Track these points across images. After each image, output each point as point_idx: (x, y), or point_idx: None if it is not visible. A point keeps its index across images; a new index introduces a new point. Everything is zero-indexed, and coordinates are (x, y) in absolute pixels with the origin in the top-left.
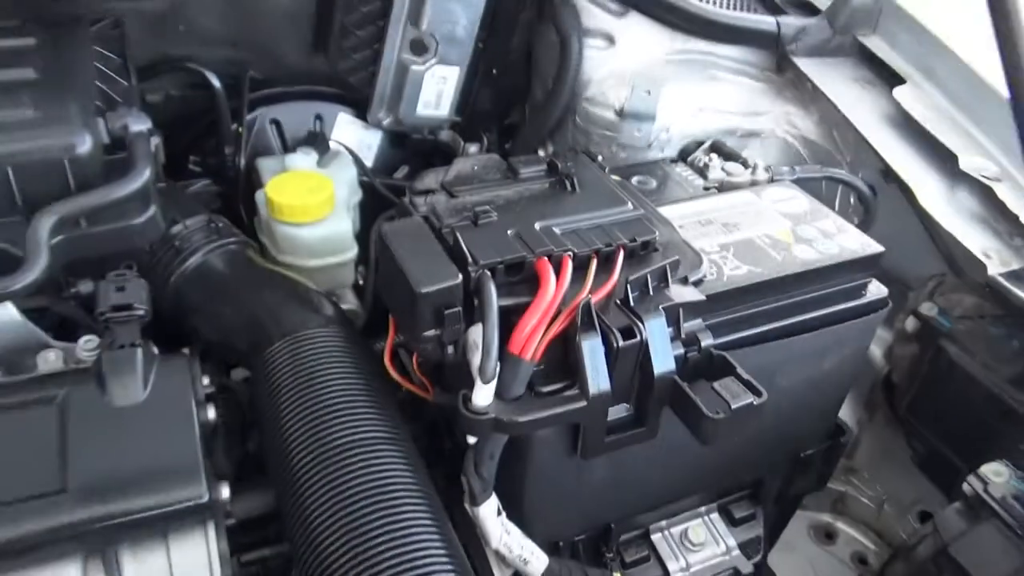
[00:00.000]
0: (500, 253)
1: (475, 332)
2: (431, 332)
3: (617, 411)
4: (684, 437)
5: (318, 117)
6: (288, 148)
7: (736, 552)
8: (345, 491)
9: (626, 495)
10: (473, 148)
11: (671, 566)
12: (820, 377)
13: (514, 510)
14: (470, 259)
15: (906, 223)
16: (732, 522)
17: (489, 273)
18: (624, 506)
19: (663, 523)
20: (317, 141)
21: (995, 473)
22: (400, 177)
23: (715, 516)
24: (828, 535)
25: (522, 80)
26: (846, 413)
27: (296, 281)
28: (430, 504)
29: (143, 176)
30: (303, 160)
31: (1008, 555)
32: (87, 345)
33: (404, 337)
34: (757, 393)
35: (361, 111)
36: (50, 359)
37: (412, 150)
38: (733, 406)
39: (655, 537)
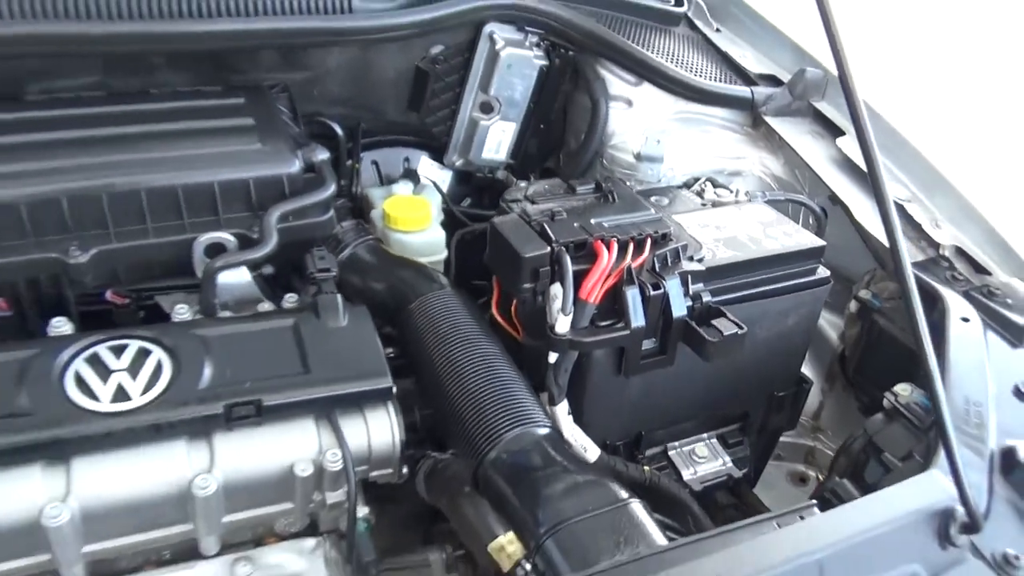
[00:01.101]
0: (571, 236)
1: (555, 287)
2: (528, 285)
3: (647, 345)
4: (692, 368)
5: (406, 159)
6: (383, 181)
7: (730, 464)
8: (469, 373)
9: (652, 410)
10: (522, 184)
11: (684, 472)
12: (786, 331)
13: (576, 415)
14: (553, 239)
15: (848, 234)
16: (726, 445)
17: (564, 249)
18: (651, 419)
19: (676, 443)
20: (412, 176)
21: (903, 390)
22: (466, 206)
23: (714, 441)
24: (802, 479)
25: (559, 133)
26: (814, 392)
27: (418, 263)
28: (518, 377)
29: (329, 189)
30: (403, 188)
31: (910, 439)
32: (290, 299)
33: (508, 289)
34: (740, 327)
35: (437, 155)
36: (265, 307)
37: (474, 185)
38: (725, 333)
39: (671, 453)
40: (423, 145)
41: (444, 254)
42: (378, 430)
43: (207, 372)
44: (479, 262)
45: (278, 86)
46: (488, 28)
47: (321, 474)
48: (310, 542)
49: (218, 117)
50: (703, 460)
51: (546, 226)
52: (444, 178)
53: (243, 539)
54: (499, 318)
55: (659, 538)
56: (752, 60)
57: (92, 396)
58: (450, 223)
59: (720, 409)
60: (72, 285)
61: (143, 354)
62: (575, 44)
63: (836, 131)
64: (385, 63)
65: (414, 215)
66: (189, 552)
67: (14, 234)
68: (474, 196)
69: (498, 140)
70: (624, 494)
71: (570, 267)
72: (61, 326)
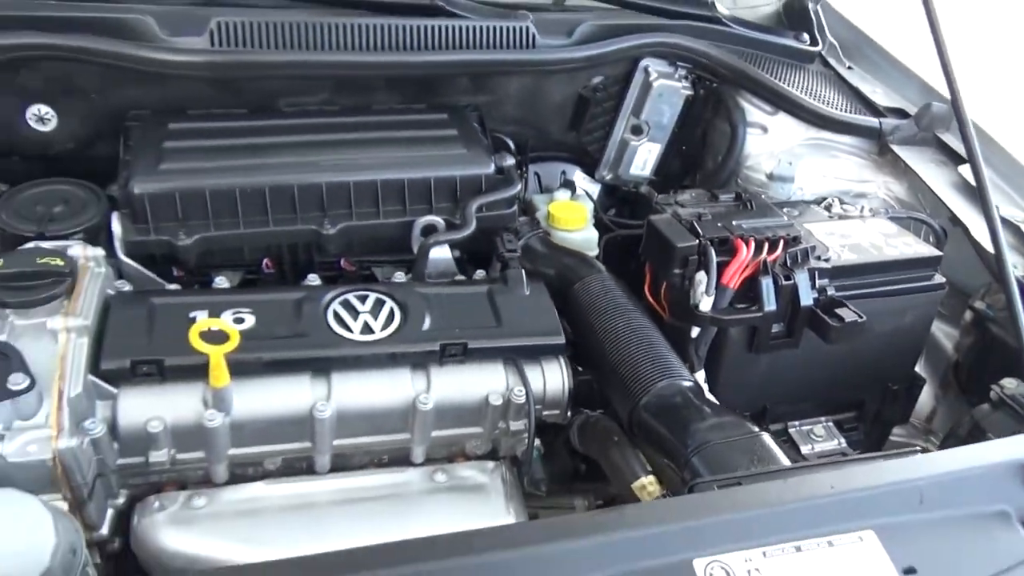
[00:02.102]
0: (715, 233)
1: (700, 274)
2: (678, 271)
3: (775, 328)
4: (815, 354)
5: (563, 172)
6: (542, 190)
7: (845, 446)
8: (624, 338)
9: (777, 387)
10: (661, 197)
11: (802, 448)
12: (902, 329)
13: (710, 385)
14: (701, 234)
15: (966, 253)
16: (842, 430)
17: (710, 242)
18: (775, 395)
19: (796, 422)
20: (570, 186)
21: (1009, 383)
22: (611, 214)
23: (830, 423)
24: None
25: (698, 154)
26: (928, 397)
27: (580, 252)
28: (665, 342)
29: (515, 188)
30: (563, 195)
31: (1013, 426)
32: (479, 274)
33: (660, 275)
34: (860, 316)
35: (589, 170)
36: (459, 279)
37: (619, 197)
38: (846, 320)
39: (791, 430)
40: (577, 161)
41: (596, 251)
42: (552, 377)
43: (427, 320)
44: (622, 259)
45: (470, 106)
46: (644, 62)
47: (508, 406)
48: (491, 464)
49: (429, 128)
50: (820, 439)
51: (695, 224)
52: (594, 190)
53: (440, 456)
54: (650, 299)
55: (786, 461)
56: (882, 95)
57: (347, 328)
58: (598, 228)
59: (838, 395)
60: (320, 252)
61: (380, 303)
62: (719, 77)
63: (959, 159)
64: (553, 90)
65: (574, 216)
66: (401, 459)
67: (286, 209)
68: (618, 207)
69: (644, 159)
70: (756, 428)
71: (714, 257)
72: (314, 280)
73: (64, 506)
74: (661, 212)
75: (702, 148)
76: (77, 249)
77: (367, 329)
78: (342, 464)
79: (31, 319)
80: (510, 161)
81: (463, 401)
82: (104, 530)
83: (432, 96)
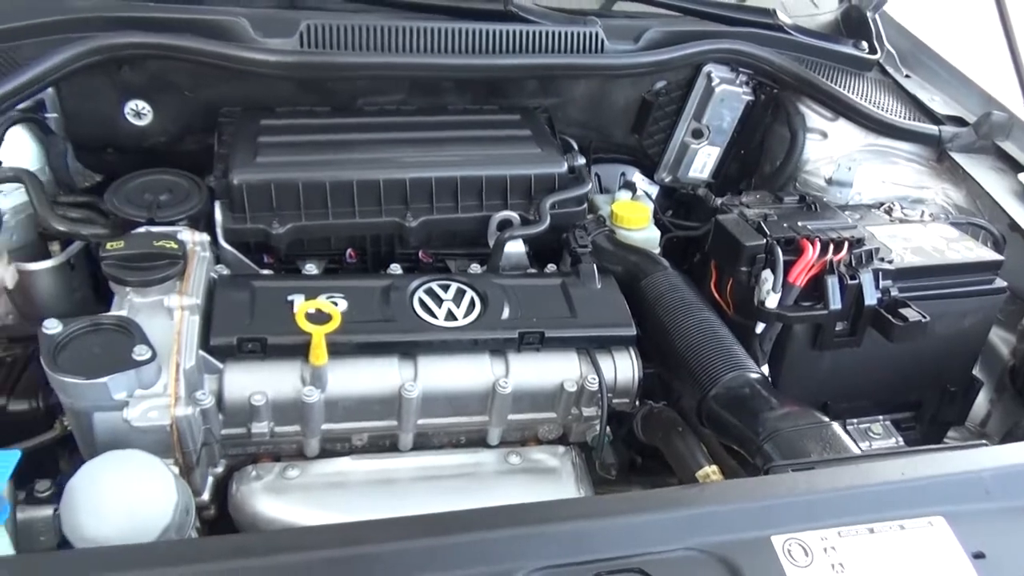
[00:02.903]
0: (781, 233)
1: (766, 272)
2: (745, 269)
3: (839, 327)
4: (876, 353)
5: (623, 173)
6: (602, 190)
7: (901, 443)
8: (692, 332)
9: (838, 384)
10: (720, 201)
11: (861, 445)
12: (962, 332)
13: (773, 380)
14: (768, 234)
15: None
16: (899, 429)
17: (776, 242)
18: (836, 392)
19: (854, 420)
20: (631, 187)
21: None
22: (668, 216)
23: (888, 422)
24: None
25: (755, 158)
26: (983, 401)
27: (645, 250)
28: (732, 336)
29: (587, 187)
30: (624, 195)
31: None
32: (550, 268)
33: (727, 272)
34: (923, 316)
35: (648, 172)
36: (531, 271)
37: (677, 199)
38: (910, 319)
39: (849, 428)
40: (636, 162)
41: (658, 250)
42: (623, 367)
43: (506, 309)
44: (679, 260)
45: (539, 108)
46: (707, 68)
47: (581, 393)
48: (561, 448)
49: (503, 128)
50: (877, 437)
51: (762, 223)
52: (652, 191)
53: (513, 439)
54: (715, 295)
55: (855, 449)
56: (940, 103)
57: (431, 315)
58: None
59: (896, 394)
60: (400, 243)
61: (461, 292)
62: (779, 83)
63: (1018, 167)
64: (618, 94)
65: (637, 216)
66: (478, 441)
67: (372, 202)
68: (675, 208)
69: (703, 162)
70: (825, 418)
71: (781, 256)
72: (396, 270)
73: (176, 470)
74: (727, 212)
75: (759, 152)
76: (186, 234)
77: (450, 316)
78: (422, 443)
79: (148, 297)
80: (581, 161)
81: (539, 387)
82: (205, 496)
83: (500, 98)
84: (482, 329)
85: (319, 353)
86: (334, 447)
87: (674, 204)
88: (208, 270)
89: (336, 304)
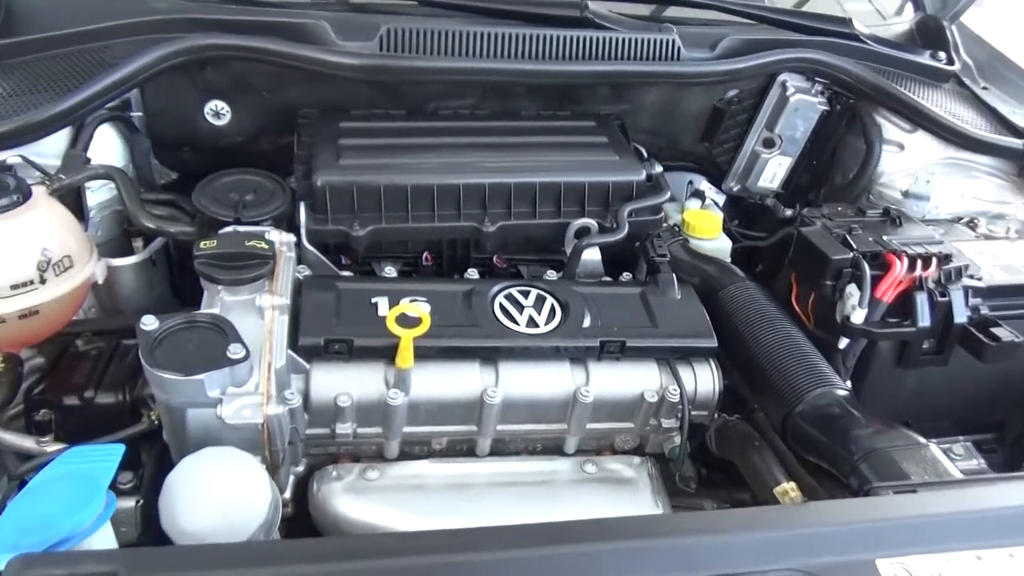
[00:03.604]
0: (867, 247)
1: (851, 287)
2: (829, 283)
3: (925, 344)
4: (961, 372)
5: (690, 182)
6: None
7: (984, 466)
8: (774, 346)
9: (921, 403)
10: (789, 212)
11: None
12: None
13: (857, 396)
14: (854, 247)
15: None
16: (980, 450)
17: (863, 256)
18: (919, 411)
19: (935, 439)
20: (700, 196)
21: None
22: (734, 224)
23: (969, 443)
24: None
25: (826, 169)
26: None
27: (722, 260)
28: (815, 350)
29: (665, 196)
30: (694, 204)
31: None
32: (625, 276)
33: (810, 285)
34: (1017, 336)
35: (715, 180)
36: (606, 279)
37: (743, 208)
38: (1003, 340)
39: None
40: (703, 171)
41: (728, 259)
42: (703, 378)
43: (586, 317)
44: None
45: (612, 115)
46: (782, 77)
47: (661, 403)
48: (637, 459)
49: (579, 135)
50: (959, 458)
51: (847, 237)
52: (719, 200)
53: (589, 447)
54: (797, 308)
55: (956, 473)
56: (1021, 116)
57: (513, 321)
58: None
59: (980, 415)
60: (476, 248)
61: (541, 299)
62: (856, 93)
63: None
64: (690, 102)
65: (709, 225)
66: (553, 448)
67: (451, 207)
68: (742, 218)
69: (774, 172)
70: (922, 438)
71: (868, 271)
72: (473, 275)
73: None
74: (809, 224)
75: (831, 163)
76: (274, 234)
77: (532, 323)
78: (499, 449)
79: (239, 295)
80: (659, 169)
81: (619, 396)
82: (287, 494)
83: (572, 103)
84: (563, 337)
85: (406, 356)
86: (412, 450)
87: (740, 214)
88: (294, 270)
89: (421, 307)
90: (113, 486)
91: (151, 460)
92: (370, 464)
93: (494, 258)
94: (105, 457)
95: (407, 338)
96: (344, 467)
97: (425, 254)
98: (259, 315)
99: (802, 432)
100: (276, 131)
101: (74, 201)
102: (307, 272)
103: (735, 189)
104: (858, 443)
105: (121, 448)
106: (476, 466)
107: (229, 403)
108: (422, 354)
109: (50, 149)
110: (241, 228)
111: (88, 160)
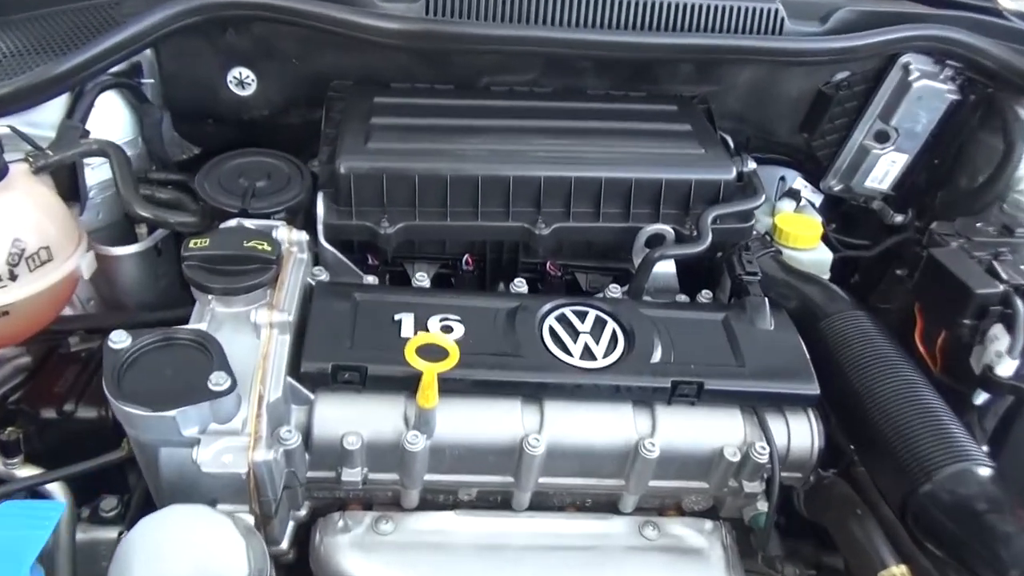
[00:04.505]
0: (1022, 279)
1: (997, 328)
2: (969, 321)
3: None
4: None
5: (782, 178)
6: None
7: None
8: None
9: None
10: (899, 217)
11: None
12: None
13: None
14: (1005, 278)
15: None
16: None
17: (1016, 290)
18: None
19: None
20: (794, 195)
21: None
22: (831, 228)
23: None
24: None
25: (947, 170)
26: None
27: (826, 281)
28: (948, 409)
29: (760, 199)
30: (787, 206)
31: None
32: (705, 295)
33: (941, 322)
34: None
35: (811, 177)
36: (681, 299)
37: (842, 211)
38: None
39: None
40: (798, 165)
41: (827, 275)
42: (799, 433)
43: (657, 349)
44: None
45: (696, 98)
46: (905, 58)
47: (745, 462)
48: (708, 523)
49: (657, 121)
50: None
51: (994, 264)
52: (816, 201)
53: (649, 505)
54: (920, 347)
55: None
56: None
57: (565, 350)
58: None
59: None
60: (526, 252)
61: (601, 323)
62: (996, 81)
63: None
64: (790, 84)
65: (806, 232)
66: (606, 505)
67: (498, 203)
68: (839, 223)
69: (885, 170)
70: None
71: (1023, 310)
72: (521, 287)
73: (250, 520)
74: (943, 244)
75: (955, 164)
76: (283, 232)
77: (588, 353)
78: (541, 502)
79: (233, 307)
80: (751, 165)
81: (691, 451)
82: (284, 544)
83: (647, 83)
84: (627, 374)
85: (429, 395)
86: (436, 498)
87: (839, 217)
88: (305, 275)
89: (451, 328)
90: (95, 513)
91: (140, 484)
92: (384, 513)
93: (547, 264)
94: (39, 519)
95: (430, 373)
96: (353, 515)
97: (466, 257)
98: (255, 333)
99: (929, 518)
100: (307, 104)
101: (68, 180)
102: (324, 276)
103: (836, 189)
104: (1010, 547)
105: (60, 508)
106: (512, 522)
107: (208, 445)
108: (451, 388)
109: (47, 119)
110: (248, 221)
111: (86, 133)
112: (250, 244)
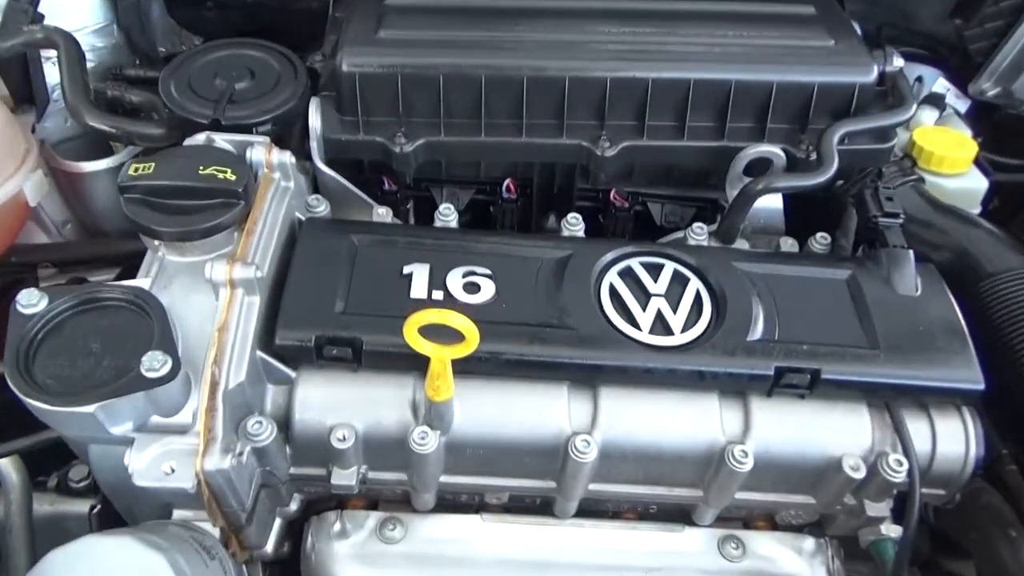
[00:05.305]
0: None
1: None
2: None
3: None
4: None
5: (919, 78)
6: None
7: None
8: None
9: None
10: None
11: None
12: None
13: None
14: None
15: None
16: None
17: None
18: None
19: None
20: (937, 102)
21: None
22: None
23: None
24: None
25: None
26: None
27: (992, 225)
28: None
29: (909, 111)
30: (927, 116)
31: None
32: (821, 240)
33: None
34: None
35: (955, 78)
36: (788, 244)
37: (993, 123)
38: None
39: None
40: (940, 63)
41: (978, 209)
42: (948, 439)
43: (758, 320)
44: None
45: None
46: None
47: (870, 478)
48: (810, 542)
49: (766, 1)
50: None
51: None
52: (960, 109)
53: (733, 515)
54: None
55: None
56: None
57: (629, 319)
58: None
59: None
60: (585, 177)
61: (680, 281)
62: None
63: None
64: None
65: (956, 154)
66: (676, 512)
67: (549, 112)
68: (987, 137)
69: None
70: None
71: None
72: (576, 226)
73: (215, 533)
74: None
75: None
76: (260, 152)
77: (661, 324)
78: (589, 507)
79: (187, 256)
80: (899, 63)
81: (797, 460)
82: (269, 548)
83: None
84: (714, 354)
85: (439, 386)
86: (457, 498)
87: (986, 131)
88: (291, 211)
89: (478, 287)
90: (63, 482)
91: None
92: (392, 515)
93: (611, 192)
94: None
95: (439, 361)
96: (353, 517)
97: (507, 182)
98: (211, 294)
99: None
100: None
101: (19, 77)
102: (323, 208)
103: (990, 94)
104: None
105: None
106: (553, 532)
107: (144, 449)
108: (475, 368)
109: None
110: (221, 136)
111: (39, 17)
112: (207, 171)
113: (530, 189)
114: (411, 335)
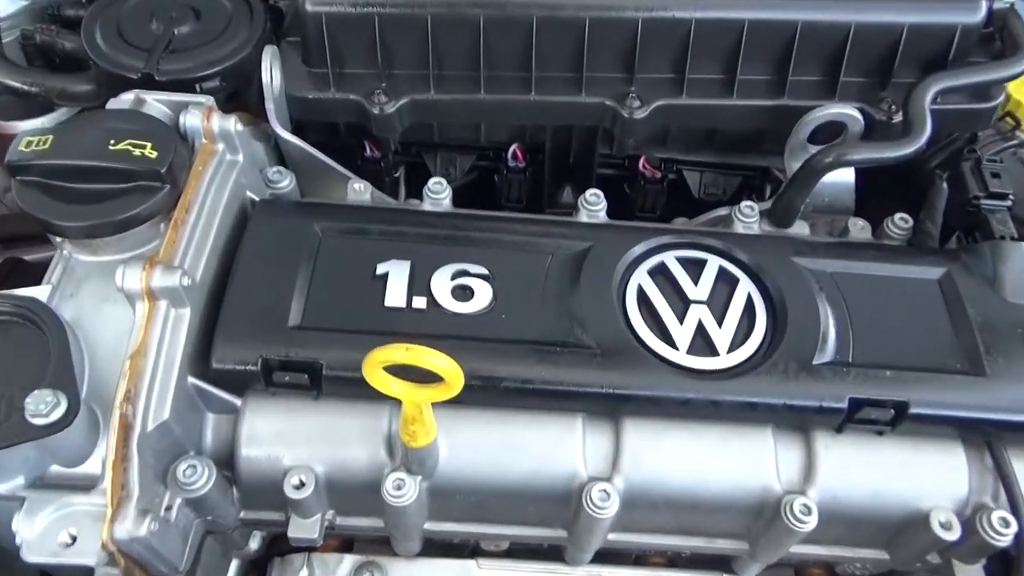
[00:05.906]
0: None
1: None
2: None
3: None
4: None
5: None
6: None
7: None
8: None
9: None
10: None
11: None
12: None
13: None
14: None
15: None
16: None
17: None
18: None
19: None
20: None
21: None
22: None
23: None
24: None
25: None
26: None
27: None
28: None
29: (1021, 64)
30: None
31: None
32: (901, 224)
33: None
34: None
35: None
36: (859, 228)
37: None
38: None
39: None
40: None
41: None
42: None
43: (826, 335)
44: None
45: None
46: None
47: (965, 537)
48: None
49: None
50: None
51: None
52: None
53: (784, 562)
54: None
55: None
56: None
57: (663, 334)
58: None
59: None
60: (607, 142)
61: (727, 282)
62: None
63: None
64: None
65: None
66: (711, 561)
67: (562, 64)
68: None
69: None
70: None
71: None
72: (597, 207)
73: None
74: None
75: None
76: (195, 116)
77: (703, 341)
78: (609, 550)
79: (98, 256)
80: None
81: (871, 512)
82: None
83: None
84: (771, 380)
85: (415, 432)
86: (449, 540)
87: None
88: (239, 191)
89: (471, 291)
90: None
91: None
92: (371, 559)
93: (640, 160)
94: None
95: (412, 405)
96: (323, 561)
97: (513, 148)
98: (127, 307)
99: None
100: None
101: None
102: (287, 183)
103: None
104: None
105: None
106: None
107: (36, 513)
108: (464, 397)
109: None
110: (154, 95)
111: None
112: (120, 146)
113: (541, 156)
114: (374, 374)
